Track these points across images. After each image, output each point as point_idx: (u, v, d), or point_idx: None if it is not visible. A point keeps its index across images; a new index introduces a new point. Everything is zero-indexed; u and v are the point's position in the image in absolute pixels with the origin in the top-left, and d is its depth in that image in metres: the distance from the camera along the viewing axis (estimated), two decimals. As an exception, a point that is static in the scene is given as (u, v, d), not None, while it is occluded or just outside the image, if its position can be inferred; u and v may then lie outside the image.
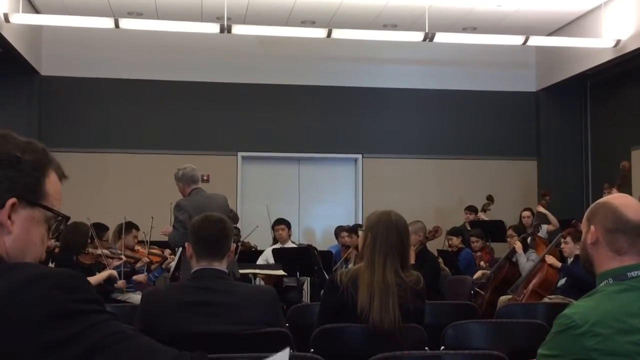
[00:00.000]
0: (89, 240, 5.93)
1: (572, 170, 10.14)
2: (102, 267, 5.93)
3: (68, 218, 1.35)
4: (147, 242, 6.95)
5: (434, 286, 5.63)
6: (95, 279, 5.55)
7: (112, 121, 9.48)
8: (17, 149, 1.24)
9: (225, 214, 4.97)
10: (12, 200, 1.23)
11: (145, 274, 6.65)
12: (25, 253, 1.24)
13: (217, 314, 2.67)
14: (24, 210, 1.24)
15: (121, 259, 6.19)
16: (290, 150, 9.88)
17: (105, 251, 6.26)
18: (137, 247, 6.83)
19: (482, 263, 7.35)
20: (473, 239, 7.67)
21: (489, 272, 6.72)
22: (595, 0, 8.38)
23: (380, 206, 3.45)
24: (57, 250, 5.88)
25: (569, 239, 5.91)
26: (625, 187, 7.09)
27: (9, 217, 1.22)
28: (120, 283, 6.05)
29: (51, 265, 5.71)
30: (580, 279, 5.27)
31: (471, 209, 9.06)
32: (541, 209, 8.08)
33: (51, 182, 1.29)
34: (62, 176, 1.33)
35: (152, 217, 7.05)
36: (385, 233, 3.03)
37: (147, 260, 6.67)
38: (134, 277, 6.48)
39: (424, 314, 3.10)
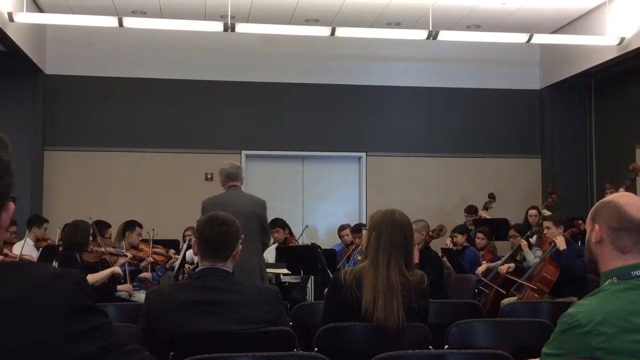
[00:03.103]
0: (92, 238, 5.93)
1: (576, 168, 10.12)
2: (106, 265, 5.94)
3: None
4: (150, 240, 6.96)
5: (438, 285, 5.64)
6: (98, 276, 5.56)
7: (116, 120, 9.50)
8: (6, 153, 1.29)
9: (252, 217, 4.97)
10: (12, 205, 1.28)
11: (150, 273, 6.67)
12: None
13: (221, 313, 2.67)
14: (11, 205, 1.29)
15: (126, 256, 6.20)
16: (293, 148, 9.88)
17: (109, 249, 6.27)
18: (141, 246, 6.84)
19: (484, 262, 7.35)
20: (480, 235, 7.66)
21: (492, 264, 6.72)
22: (599, -3, 8.36)
23: (384, 204, 3.45)
24: (61, 248, 5.89)
25: (549, 223, 5.98)
26: (631, 187, 7.08)
27: None
28: (126, 287, 6.04)
29: (55, 264, 5.72)
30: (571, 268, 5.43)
31: (470, 210, 9.01)
32: (546, 213, 8.08)
33: None
34: None
35: (153, 229, 7.05)
36: (390, 232, 3.02)
37: (152, 260, 6.68)
38: (142, 270, 6.51)
39: (428, 312, 3.09)
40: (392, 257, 2.99)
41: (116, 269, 5.81)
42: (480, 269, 6.65)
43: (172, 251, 7.08)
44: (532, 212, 8.36)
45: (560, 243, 5.72)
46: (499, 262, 6.69)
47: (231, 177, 5.27)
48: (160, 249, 6.98)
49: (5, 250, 6.64)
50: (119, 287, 6.01)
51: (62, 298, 1.14)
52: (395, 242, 3.01)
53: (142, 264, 6.60)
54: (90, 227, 5.87)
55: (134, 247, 6.73)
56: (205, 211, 4.96)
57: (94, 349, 1.15)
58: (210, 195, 5.35)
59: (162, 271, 7.02)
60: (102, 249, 6.06)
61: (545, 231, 6.02)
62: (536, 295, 5.70)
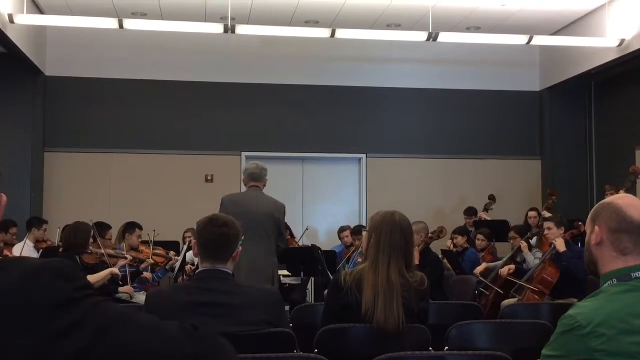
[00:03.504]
0: (92, 240, 5.93)
1: (576, 169, 10.13)
2: (106, 267, 5.94)
3: None
4: (151, 242, 6.96)
5: (438, 286, 5.64)
6: (96, 277, 5.56)
7: (116, 121, 9.50)
8: None
9: (268, 220, 4.97)
10: (5, 197, 1.26)
11: (150, 273, 6.67)
12: None
13: (222, 314, 2.67)
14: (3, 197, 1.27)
15: (126, 258, 6.20)
16: (294, 150, 9.89)
17: (110, 251, 6.26)
18: (141, 248, 6.84)
19: (484, 264, 7.35)
20: (480, 237, 7.66)
21: (492, 264, 6.72)
22: (599, -1, 8.37)
23: (384, 206, 3.45)
24: (61, 250, 5.89)
25: (551, 224, 5.95)
26: (632, 190, 7.07)
27: None
28: (127, 289, 6.05)
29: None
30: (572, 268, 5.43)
31: (470, 212, 9.00)
32: (546, 215, 8.07)
33: None
34: None
35: (154, 230, 7.05)
36: (390, 234, 3.03)
37: (152, 261, 6.68)
38: (142, 272, 6.51)
39: (428, 314, 3.09)
40: (392, 259, 2.99)
41: (114, 269, 5.81)
42: (479, 269, 6.65)
43: (172, 253, 7.08)
44: (532, 213, 8.36)
45: (560, 245, 5.71)
46: (499, 262, 6.69)
47: (253, 178, 5.24)
48: (160, 251, 6.98)
49: (6, 252, 6.65)
50: (120, 289, 6.01)
51: (42, 297, 1.09)
52: (395, 243, 3.01)
53: (143, 265, 6.60)
54: (90, 228, 5.87)
55: (134, 249, 6.73)
56: (223, 207, 5.00)
57: (86, 335, 1.09)
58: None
59: (163, 273, 7.02)
60: (102, 251, 6.06)
61: (547, 232, 6.01)
62: (536, 297, 5.69)
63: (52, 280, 1.11)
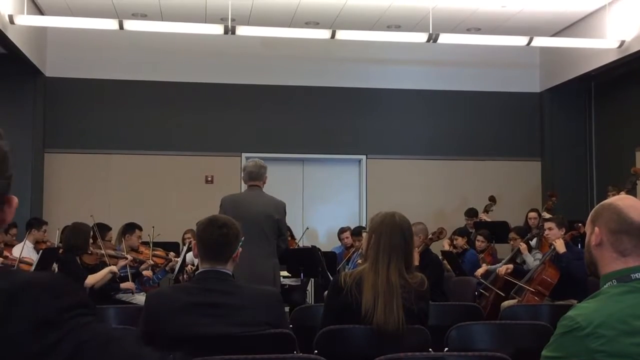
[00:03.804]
0: (92, 241, 5.93)
1: (576, 171, 10.13)
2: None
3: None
4: (151, 241, 6.96)
5: (438, 287, 5.63)
6: (97, 277, 5.56)
7: (116, 122, 9.50)
8: (6, 144, 1.23)
9: (267, 220, 4.92)
10: (15, 199, 1.24)
11: (150, 272, 6.68)
12: None
13: (221, 315, 2.67)
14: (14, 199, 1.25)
15: (126, 258, 6.20)
16: (294, 151, 9.89)
17: (110, 251, 6.26)
18: (141, 249, 6.84)
19: (484, 265, 7.35)
20: (479, 238, 7.66)
21: (492, 267, 6.72)
22: (599, 1, 8.36)
23: (384, 207, 3.45)
24: (61, 251, 5.89)
25: (552, 224, 5.93)
26: (632, 191, 7.08)
27: None
28: (128, 284, 6.05)
29: (55, 265, 5.72)
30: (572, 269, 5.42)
31: (470, 213, 9.01)
32: (546, 216, 8.07)
33: None
34: None
35: (153, 227, 7.05)
36: (389, 234, 3.03)
37: (152, 262, 6.68)
38: (142, 271, 6.51)
39: (427, 315, 3.09)
40: (392, 260, 3.00)
41: (113, 267, 5.79)
42: (480, 271, 6.65)
43: (172, 254, 7.08)
44: (532, 214, 8.36)
45: (560, 246, 5.71)
46: (499, 264, 6.69)
47: (251, 177, 5.15)
48: (160, 252, 6.98)
49: (6, 253, 6.65)
50: (122, 285, 6.01)
51: (21, 317, 1.05)
52: (395, 244, 3.01)
53: (142, 266, 6.60)
54: (89, 229, 5.86)
55: (134, 249, 6.73)
56: (222, 208, 4.94)
57: (63, 357, 1.05)
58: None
59: (162, 274, 7.02)
60: (103, 251, 6.06)
61: (547, 232, 5.99)
62: (536, 298, 5.70)
63: (35, 299, 1.08)
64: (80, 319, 1.10)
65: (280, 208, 5.13)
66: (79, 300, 1.13)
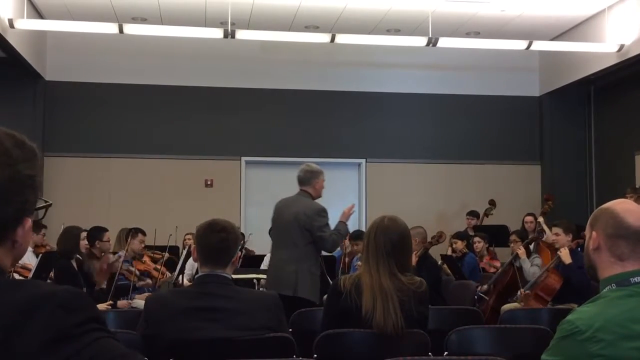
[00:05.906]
0: (90, 245, 5.89)
1: (576, 174, 10.13)
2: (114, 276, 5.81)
3: (50, 204, 1.33)
4: (161, 262, 6.91)
5: (435, 290, 5.62)
6: (102, 278, 5.47)
7: (116, 126, 9.51)
8: (30, 166, 1.22)
9: (294, 225, 4.89)
10: (30, 221, 1.23)
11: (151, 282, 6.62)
12: (19, 258, 1.26)
13: (221, 319, 2.67)
14: (28, 221, 1.24)
15: (130, 272, 6.11)
16: (293, 155, 9.87)
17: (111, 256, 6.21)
18: (144, 258, 6.79)
19: (486, 262, 7.39)
20: (476, 239, 7.65)
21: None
22: (598, 5, 8.38)
23: (384, 211, 3.46)
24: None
25: (559, 230, 5.76)
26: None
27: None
28: (124, 303, 5.98)
29: (52, 272, 5.68)
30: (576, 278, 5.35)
31: (473, 213, 9.04)
32: (542, 220, 8.06)
33: None
34: None
35: (156, 229, 7.03)
36: (375, 238, 3.08)
37: (151, 282, 6.60)
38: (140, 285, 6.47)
39: (427, 319, 3.09)
40: (380, 263, 3.03)
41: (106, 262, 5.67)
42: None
43: (168, 274, 6.96)
44: (529, 218, 8.37)
45: (565, 256, 5.53)
46: (498, 271, 6.66)
47: (299, 181, 5.13)
48: (160, 267, 6.87)
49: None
50: (118, 303, 5.95)
51: (36, 331, 1.07)
52: (380, 247, 3.05)
53: (141, 283, 6.49)
54: (79, 232, 5.78)
55: (137, 256, 6.67)
56: (274, 211, 5.08)
57: None
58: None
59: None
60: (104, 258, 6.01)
61: (554, 238, 5.83)
62: (538, 303, 5.63)
63: (51, 313, 1.09)
64: (92, 333, 1.12)
65: (309, 212, 4.98)
66: (92, 316, 1.14)
